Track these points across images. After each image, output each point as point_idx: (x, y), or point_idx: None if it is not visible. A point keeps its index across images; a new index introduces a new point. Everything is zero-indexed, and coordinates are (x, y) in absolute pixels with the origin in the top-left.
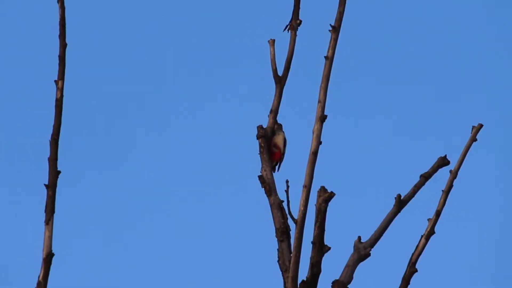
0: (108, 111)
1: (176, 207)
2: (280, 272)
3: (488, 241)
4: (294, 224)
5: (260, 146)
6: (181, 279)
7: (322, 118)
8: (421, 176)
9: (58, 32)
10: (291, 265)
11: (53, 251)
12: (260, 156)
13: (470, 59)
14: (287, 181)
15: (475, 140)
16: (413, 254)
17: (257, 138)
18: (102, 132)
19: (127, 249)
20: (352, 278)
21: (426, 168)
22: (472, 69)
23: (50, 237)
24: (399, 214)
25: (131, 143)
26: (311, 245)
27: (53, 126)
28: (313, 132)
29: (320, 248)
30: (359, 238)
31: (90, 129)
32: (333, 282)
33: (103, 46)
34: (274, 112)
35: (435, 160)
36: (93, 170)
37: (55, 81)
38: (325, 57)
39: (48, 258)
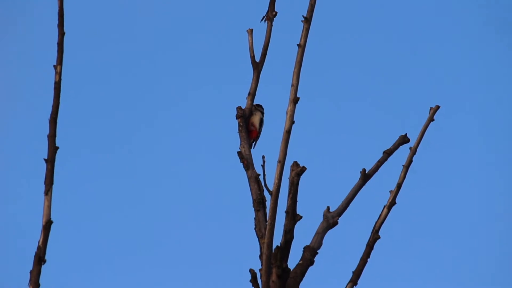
0: (101, 94)
1: (167, 178)
2: (257, 239)
3: (443, 209)
4: (270, 195)
5: (239, 125)
6: (168, 243)
7: (295, 100)
8: (384, 152)
9: (57, 22)
10: (266, 232)
11: (51, 219)
12: (239, 134)
13: (431, 44)
14: (263, 157)
15: (433, 120)
16: (376, 222)
17: (236, 118)
18: (96, 113)
19: (115, 216)
20: (321, 244)
21: (388, 145)
22: (430, 55)
23: (49, 207)
24: (364, 186)
25: (121, 125)
26: (284, 214)
27: (52, 106)
28: (286, 113)
29: (292, 217)
30: (328, 208)
31: (85, 109)
32: (304, 248)
33: (97, 35)
34: (252, 94)
35: (397, 138)
36: (88, 147)
37: (54, 66)
38: (298, 45)
39: (47, 225)
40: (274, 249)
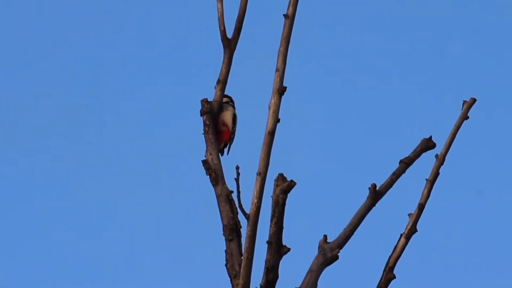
0: (36, 80)
1: (111, 196)
2: (229, 279)
3: (480, 239)
4: (246, 220)
5: (205, 125)
6: (116, 281)
7: (281, 91)
8: (400, 161)
9: None
10: (241, 269)
11: None
12: (205, 136)
13: (467, 25)
14: (237, 167)
15: (467, 118)
16: (390, 257)
17: (201, 115)
18: (29, 105)
19: (55, 239)
20: (316, 286)
21: (407, 153)
22: (457, 35)
23: None
24: (374, 208)
25: (58, 125)
26: (266, 245)
27: None
28: (269, 108)
29: (277, 249)
30: (325, 237)
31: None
32: None
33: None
34: (222, 82)
35: (418, 142)
36: (19, 148)
37: None
38: (284, 15)
39: None
40: None
